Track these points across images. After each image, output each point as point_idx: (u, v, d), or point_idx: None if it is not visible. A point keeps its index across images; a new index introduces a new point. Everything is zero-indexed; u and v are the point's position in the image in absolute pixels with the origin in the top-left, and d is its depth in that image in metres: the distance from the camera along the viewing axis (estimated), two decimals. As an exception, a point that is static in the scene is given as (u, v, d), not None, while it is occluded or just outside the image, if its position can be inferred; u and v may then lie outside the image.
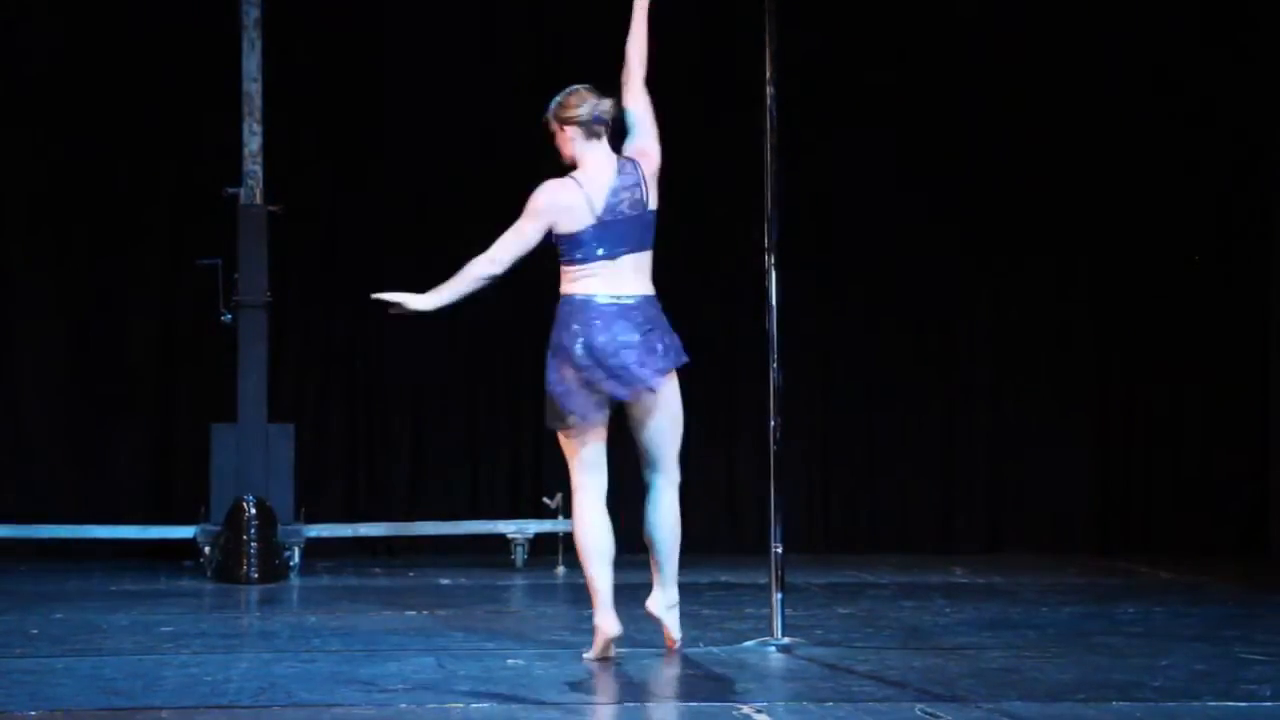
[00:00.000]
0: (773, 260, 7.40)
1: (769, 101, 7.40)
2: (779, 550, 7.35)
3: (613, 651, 6.96)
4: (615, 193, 6.95)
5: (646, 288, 6.98)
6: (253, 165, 10.59)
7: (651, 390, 6.89)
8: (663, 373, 6.92)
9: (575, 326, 6.90)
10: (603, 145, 7.00)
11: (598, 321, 6.88)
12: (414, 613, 8.61)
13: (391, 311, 7.09)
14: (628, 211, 6.95)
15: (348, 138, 11.62)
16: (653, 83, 7.01)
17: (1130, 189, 11.99)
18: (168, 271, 11.46)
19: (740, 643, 7.38)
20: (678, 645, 7.16)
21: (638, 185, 6.97)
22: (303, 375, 11.61)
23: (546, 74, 11.55)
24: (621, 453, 7.13)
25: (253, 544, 10.06)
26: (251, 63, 10.57)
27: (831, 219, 11.78)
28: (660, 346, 6.91)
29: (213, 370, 11.04)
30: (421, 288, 11.61)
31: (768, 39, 7.40)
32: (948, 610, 8.70)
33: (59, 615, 8.50)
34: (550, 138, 7.07)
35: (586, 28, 11.08)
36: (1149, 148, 11.95)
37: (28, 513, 11.11)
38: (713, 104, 11.20)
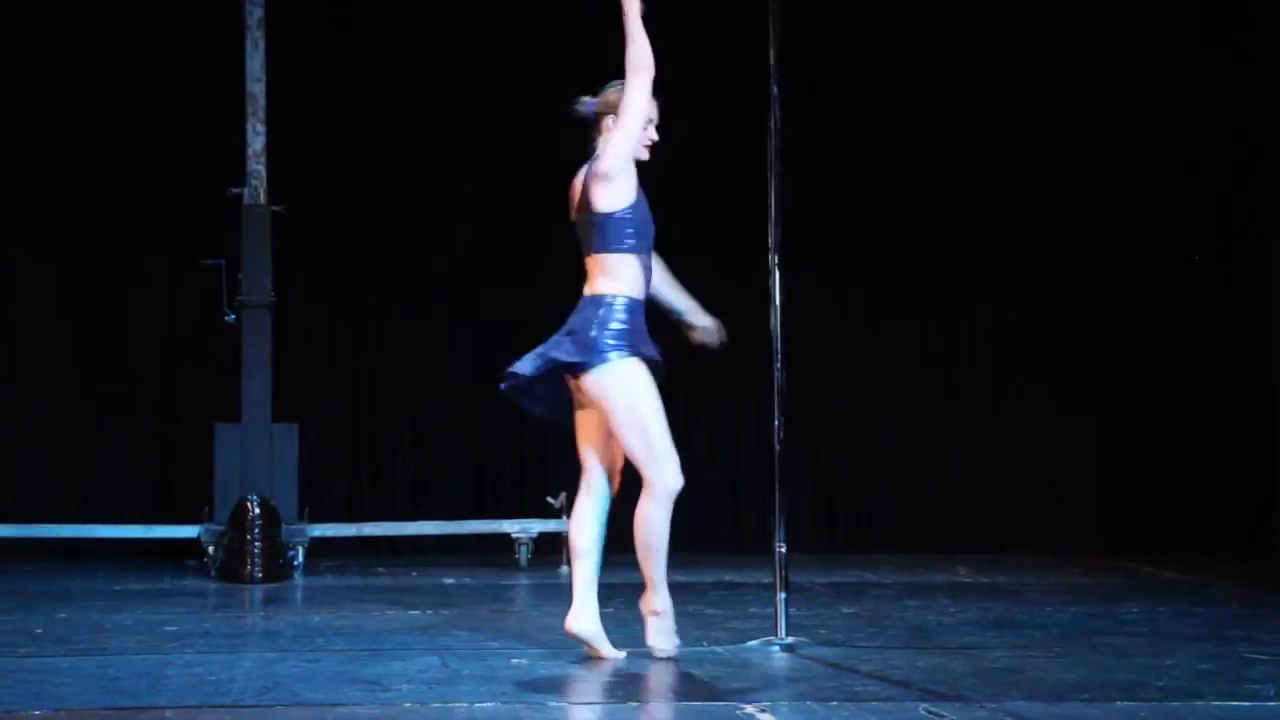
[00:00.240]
0: (776, 260, 7.41)
1: (772, 101, 7.40)
2: (783, 550, 7.35)
3: (598, 651, 6.91)
4: (580, 192, 6.95)
5: (591, 287, 6.86)
6: (256, 165, 10.60)
7: (570, 386, 6.84)
8: (552, 365, 6.79)
9: None
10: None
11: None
12: (418, 612, 8.61)
13: None
14: (578, 213, 6.95)
15: (351, 137, 11.62)
16: (658, 82, 6.96)
17: (1130, 189, 12.00)
18: (171, 271, 11.47)
19: (744, 642, 7.38)
20: (664, 653, 6.97)
21: (585, 186, 6.93)
22: (307, 375, 11.63)
23: (547, 74, 11.60)
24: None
25: (257, 544, 10.06)
26: (255, 62, 10.58)
27: (833, 219, 11.79)
28: (567, 343, 6.80)
29: (216, 370, 11.05)
30: (423, 289, 11.70)
31: (770, 38, 7.40)
32: (952, 610, 8.71)
33: (63, 615, 8.50)
34: (595, 128, 6.96)
35: (586, 28, 11.12)
36: (1149, 148, 11.96)
37: (30, 513, 11.12)
38: (714, 103, 11.21)
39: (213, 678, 6.50)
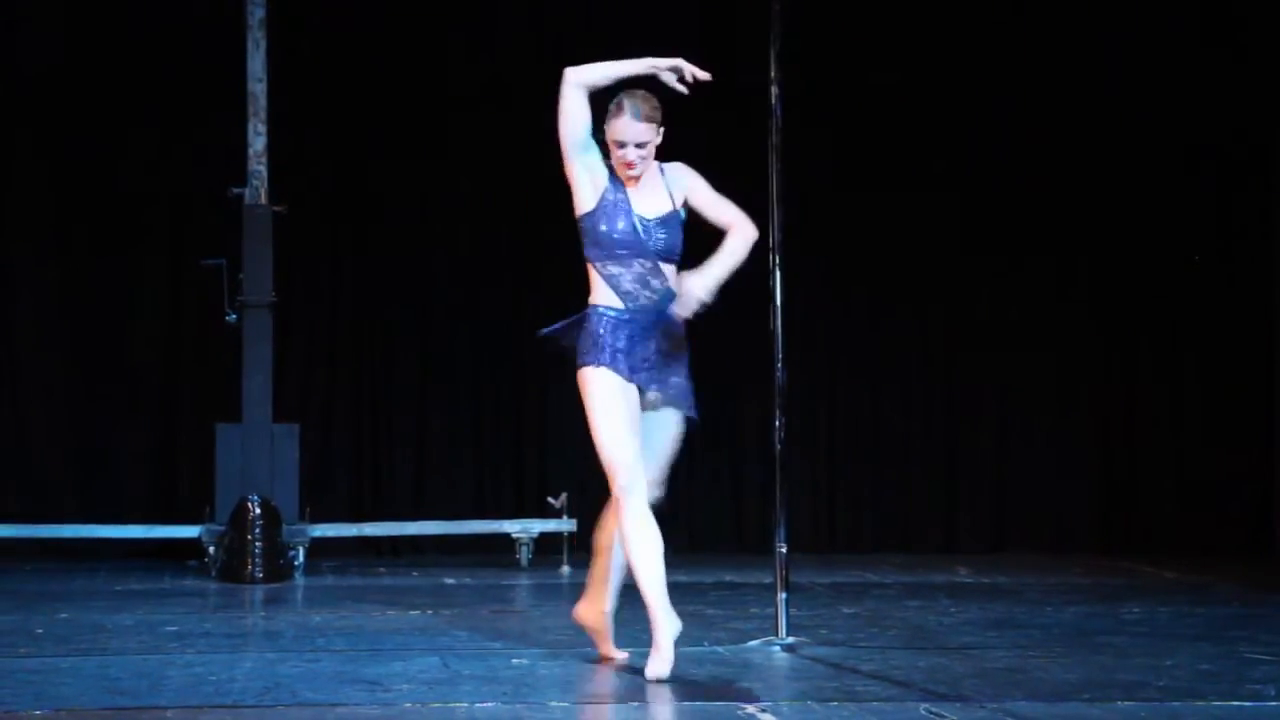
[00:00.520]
0: (777, 260, 7.41)
1: (773, 101, 7.40)
2: (783, 550, 7.36)
3: (600, 647, 6.90)
4: None
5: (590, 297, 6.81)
6: (257, 165, 10.60)
7: None
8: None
9: None
10: None
11: None
12: (418, 612, 8.61)
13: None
14: None
15: (352, 137, 11.62)
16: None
17: (1130, 189, 12.00)
18: (171, 271, 11.47)
19: (745, 642, 7.39)
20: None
21: None
22: (308, 375, 11.62)
23: (547, 74, 11.58)
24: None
25: (257, 544, 10.06)
26: (256, 63, 10.58)
27: (833, 219, 11.79)
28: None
29: (217, 370, 11.05)
30: (423, 289, 11.70)
31: (771, 39, 7.40)
32: (952, 610, 8.71)
33: (64, 615, 8.50)
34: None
35: (586, 28, 11.11)
36: (1149, 147, 11.96)
37: (31, 513, 11.13)
38: (715, 103, 11.19)
39: (213, 678, 6.50)
